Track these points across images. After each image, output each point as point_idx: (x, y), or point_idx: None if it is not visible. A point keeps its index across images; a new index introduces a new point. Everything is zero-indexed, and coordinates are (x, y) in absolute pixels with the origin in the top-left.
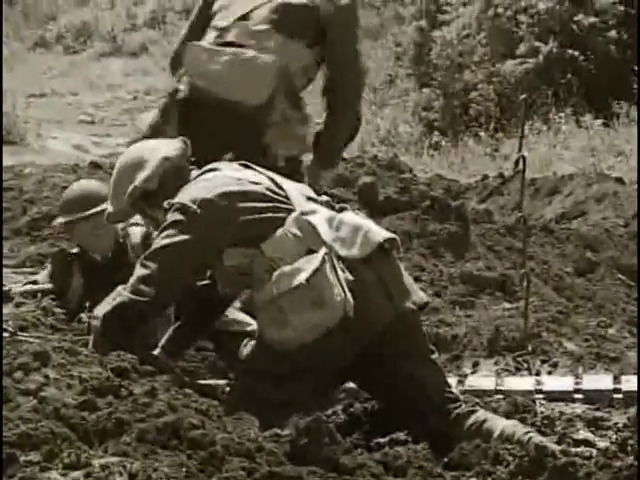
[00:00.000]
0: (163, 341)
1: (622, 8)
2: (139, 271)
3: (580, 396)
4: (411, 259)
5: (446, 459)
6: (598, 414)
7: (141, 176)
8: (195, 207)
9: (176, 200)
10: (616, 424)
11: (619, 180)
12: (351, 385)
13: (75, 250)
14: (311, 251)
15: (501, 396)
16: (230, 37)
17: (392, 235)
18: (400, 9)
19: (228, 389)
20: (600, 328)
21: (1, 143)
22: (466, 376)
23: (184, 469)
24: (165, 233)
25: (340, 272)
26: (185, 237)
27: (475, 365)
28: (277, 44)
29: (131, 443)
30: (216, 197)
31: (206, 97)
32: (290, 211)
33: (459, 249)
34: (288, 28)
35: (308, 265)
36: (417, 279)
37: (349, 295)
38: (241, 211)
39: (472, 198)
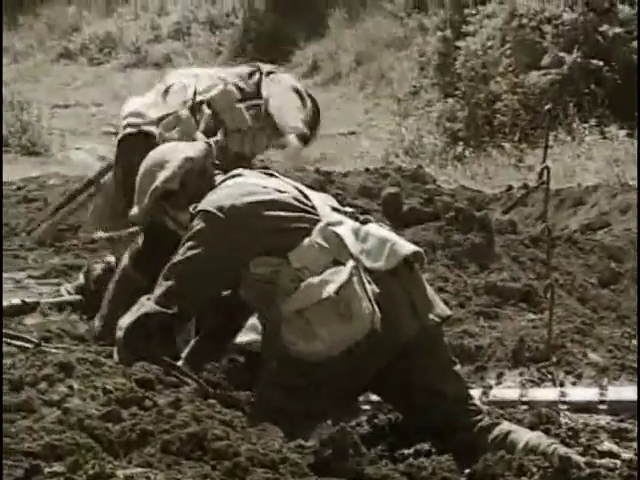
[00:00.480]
0: (186, 352)
1: None
2: (163, 282)
3: (604, 407)
4: (435, 270)
5: (470, 470)
6: (622, 425)
7: (162, 176)
8: (221, 214)
9: (201, 206)
10: None
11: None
12: (375, 396)
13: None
14: (337, 262)
15: (525, 407)
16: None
17: (417, 248)
18: (424, 20)
19: (252, 400)
20: (624, 339)
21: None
22: (490, 387)
23: None
24: (189, 243)
25: (367, 285)
26: (209, 247)
27: (499, 376)
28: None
29: (155, 454)
30: (242, 204)
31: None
32: (316, 221)
33: (483, 260)
34: None
35: (336, 277)
36: (441, 290)
37: (377, 308)
38: (268, 220)
39: (496, 209)
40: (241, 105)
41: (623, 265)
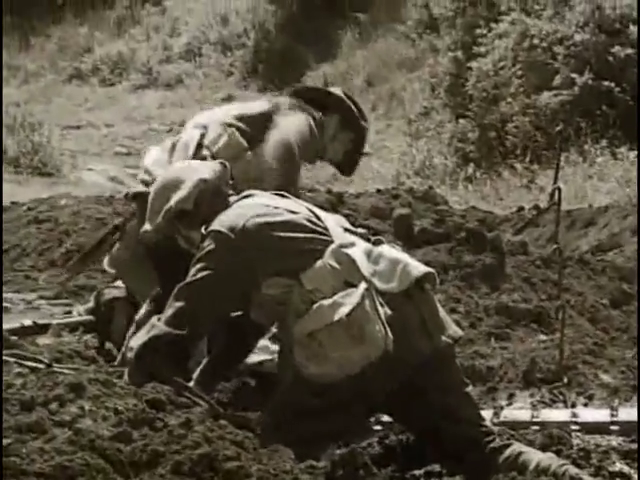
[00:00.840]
0: (197, 373)
1: None
2: (174, 303)
3: (616, 428)
4: (446, 291)
5: None
6: (634, 446)
7: (176, 196)
8: (232, 234)
9: (212, 227)
10: None
11: None
12: (386, 417)
13: (119, 294)
14: (349, 284)
15: (537, 428)
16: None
17: (429, 269)
18: (435, 41)
19: (263, 421)
20: (636, 360)
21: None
22: (502, 408)
23: None
24: (200, 264)
25: (380, 307)
26: (220, 268)
27: (510, 397)
28: None
29: (166, 475)
30: (254, 225)
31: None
32: (328, 242)
33: (494, 281)
34: None
35: (348, 299)
36: (452, 310)
37: (389, 331)
38: (279, 241)
39: (507, 230)
40: (249, 154)
41: (634, 286)
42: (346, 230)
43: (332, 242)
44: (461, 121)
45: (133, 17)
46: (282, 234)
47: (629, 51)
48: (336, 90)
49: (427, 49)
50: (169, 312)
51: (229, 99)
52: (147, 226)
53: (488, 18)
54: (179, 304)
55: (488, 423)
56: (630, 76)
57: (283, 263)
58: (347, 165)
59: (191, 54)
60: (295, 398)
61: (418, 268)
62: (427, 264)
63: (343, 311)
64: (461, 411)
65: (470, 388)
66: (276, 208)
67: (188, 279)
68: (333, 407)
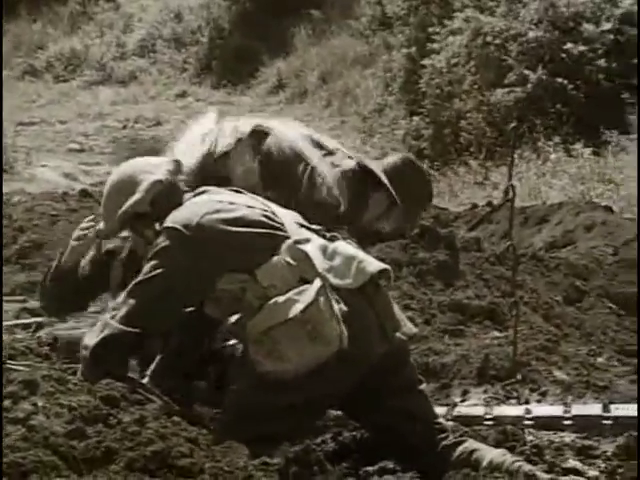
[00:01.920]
0: (150, 370)
1: (611, 37)
2: (127, 300)
3: (569, 423)
4: (400, 287)
5: None
6: (587, 443)
7: (132, 200)
8: (186, 231)
9: (166, 224)
10: (605, 452)
11: (608, 209)
12: (340, 413)
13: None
14: (304, 280)
15: (490, 422)
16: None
17: (385, 266)
18: (389, 38)
19: (218, 417)
20: (589, 357)
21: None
22: (455, 405)
23: None
24: (154, 262)
25: (335, 303)
26: (174, 265)
27: (464, 394)
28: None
29: (120, 472)
30: (208, 221)
31: None
32: (284, 238)
33: (448, 277)
34: None
35: (303, 296)
36: (406, 307)
37: (344, 328)
38: (235, 236)
39: (461, 227)
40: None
41: (588, 283)
42: (302, 226)
43: (288, 238)
44: (415, 118)
45: (86, 14)
46: (237, 230)
47: (582, 48)
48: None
49: (381, 46)
50: (123, 310)
51: (183, 95)
52: (101, 225)
53: (441, 15)
54: (132, 302)
55: (442, 420)
56: (583, 73)
57: (238, 259)
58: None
59: (145, 50)
60: (249, 395)
61: (373, 264)
62: (381, 261)
63: (297, 308)
64: (415, 408)
65: (424, 385)
66: (231, 204)
67: (141, 277)
68: (288, 405)
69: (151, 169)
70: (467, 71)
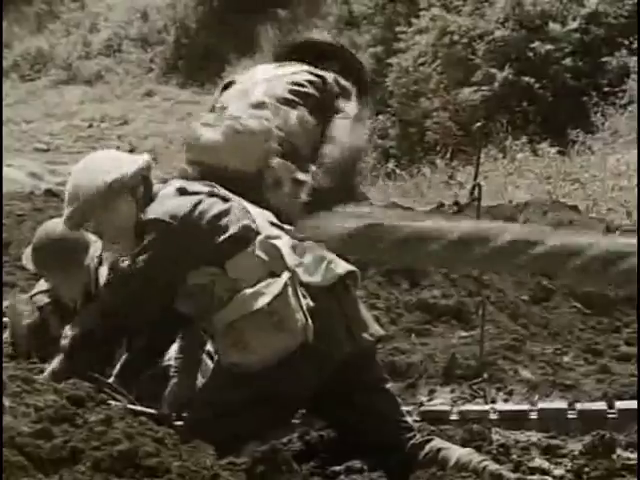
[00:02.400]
0: (117, 369)
1: (577, 36)
2: (107, 295)
3: (535, 416)
4: (367, 287)
5: None
6: (553, 442)
7: (123, 170)
8: (174, 222)
9: (152, 216)
10: (571, 451)
11: (574, 208)
12: (305, 412)
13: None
14: (273, 274)
15: (457, 422)
16: (229, 112)
17: (353, 268)
18: (356, 37)
19: (186, 415)
20: (556, 356)
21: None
22: (422, 404)
23: None
24: (143, 256)
25: (302, 298)
26: (163, 256)
27: (431, 393)
28: (273, 112)
29: (86, 471)
30: (194, 213)
31: (206, 171)
32: (255, 234)
33: (415, 277)
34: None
35: (270, 288)
36: (373, 307)
37: (310, 321)
38: (215, 229)
39: None
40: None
41: (554, 282)
42: (273, 224)
43: (259, 233)
44: (381, 117)
45: (52, 13)
46: (216, 222)
47: (549, 47)
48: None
49: (347, 45)
50: (102, 304)
51: (149, 94)
52: (65, 214)
53: (408, 14)
54: (112, 297)
55: (408, 419)
56: (550, 72)
57: (214, 250)
58: None
59: (111, 50)
60: (216, 392)
61: (342, 265)
62: (347, 260)
63: (264, 300)
64: (381, 407)
65: (390, 384)
66: (210, 196)
67: (128, 269)
68: (254, 401)
69: (109, 170)
70: (433, 70)
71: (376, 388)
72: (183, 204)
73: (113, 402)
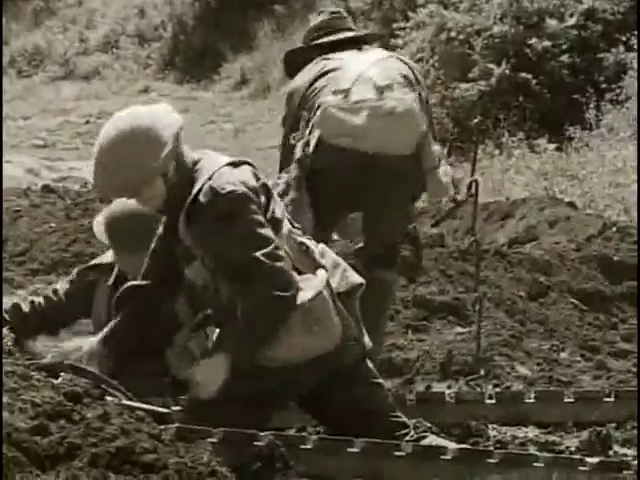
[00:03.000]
0: (105, 333)
1: (575, 32)
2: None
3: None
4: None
5: None
6: (550, 438)
7: (166, 149)
8: (250, 193)
9: (228, 187)
10: (568, 448)
11: (571, 204)
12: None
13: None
14: (297, 271)
15: (451, 401)
16: (356, 96)
17: (363, 281)
18: None
19: (187, 404)
20: (552, 352)
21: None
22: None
23: None
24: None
25: (337, 299)
26: (247, 222)
27: (428, 389)
28: (403, 94)
29: (83, 467)
30: (255, 185)
31: (347, 156)
32: (282, 224)
33: (412, 273)
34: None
35: (309, 284)
36: None
37: (341, 325)
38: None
39: (425, 222)
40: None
41: (551, 278)
42: (289, 221)
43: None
44: None
45: (49, 9)
46: (266, 199)
47: (546, 43)
48: None
49: None
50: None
51: (146, 91)
52: (99, 183)
53: (405, 10)
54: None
55: (402, 415)
56: (547, 68)
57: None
58: None
59: (108, 46)
60: (231, 381)
61: (355, 276)
62: (344, 256)
63: (305, 295)
64: (375, 404)
65: (381, 380)
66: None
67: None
68: (262, 396)
69: (166, 118)
70: (431, 66)
71: (370, 384)
72: (244, 175)
73: (110, 398)
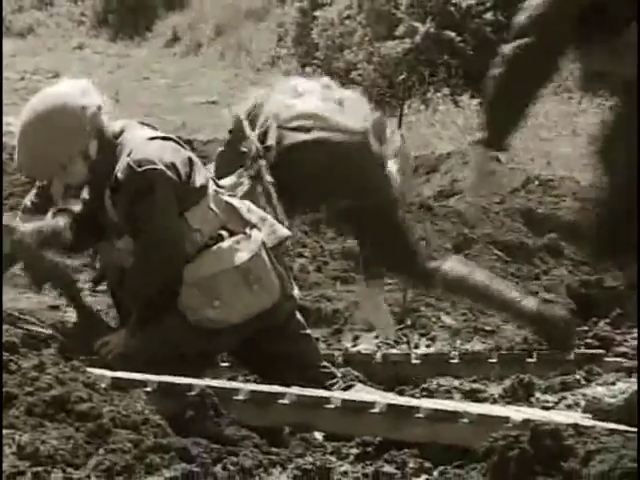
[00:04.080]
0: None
1: None
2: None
3: (456, 361)
4: (294, 236)
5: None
6: (475, 386)
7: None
8: (165, 168)
9: (145, 164)
10: (492, 395)
11: (496, 158)
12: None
13: None
14: (228, 230)
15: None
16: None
17: (290, 233)
18: None
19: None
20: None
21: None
22: (347, 349)
23: (71, 441)
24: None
25: (272, 257)
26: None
27: (356, 339)
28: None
29: (20, 416)
30: (177, 159)
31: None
32: (207, 186)
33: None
34: None
35: (245, 245)
36: (299, 255)
37: (279, 281)
38: (187, 176)
39: None
40: None
41: (475, 231)
42: (214, 182)
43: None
44: (307, 69)
45: None
46: (186, 169)
47: (470, 2)
48: None
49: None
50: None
51: (80, 48)
52: (23, 164)
53: None
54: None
55: (329, 365)
56: (471, 26)
57: (182, 198)
58: None
59: (42, 3)
60: (175, 340)
61: (282, 229)
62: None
63: (243, 256)
64: (303, 354)
65: (309, 331)
66: (177, 143)
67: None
68: (199, 355)
69: (83, 98)
70: (358, 23)
71: (297, 335)
72: (164, 148)
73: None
